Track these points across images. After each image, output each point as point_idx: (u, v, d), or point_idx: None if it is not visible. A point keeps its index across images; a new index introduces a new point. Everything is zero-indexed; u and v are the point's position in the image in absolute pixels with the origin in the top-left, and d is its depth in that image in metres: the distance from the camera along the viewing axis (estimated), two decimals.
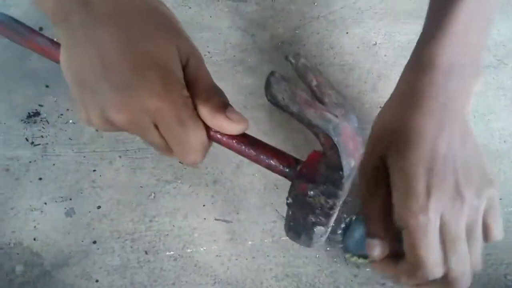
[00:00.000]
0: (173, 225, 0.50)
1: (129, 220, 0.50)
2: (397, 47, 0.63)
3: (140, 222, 0.50)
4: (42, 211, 0.50)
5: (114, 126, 0.31)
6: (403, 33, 0.64)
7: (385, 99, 0.57)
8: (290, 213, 0.36)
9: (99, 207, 0.51)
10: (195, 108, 0.32)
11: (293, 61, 0.34)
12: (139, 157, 0.53)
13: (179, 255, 0.48)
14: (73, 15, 0.30)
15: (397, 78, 0.59)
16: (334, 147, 0.31)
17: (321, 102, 0.34)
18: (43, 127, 0.55)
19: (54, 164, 0.53)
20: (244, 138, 0.35)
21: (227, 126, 0.32)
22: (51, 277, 0.47)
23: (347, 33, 0.64)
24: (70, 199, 0.51)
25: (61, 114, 0.56)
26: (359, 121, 0.56)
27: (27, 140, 0.55)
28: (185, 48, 0.32)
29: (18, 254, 0.48)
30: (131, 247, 0.49)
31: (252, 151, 0.35)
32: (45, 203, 0.51)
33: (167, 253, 0.48)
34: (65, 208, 0.51)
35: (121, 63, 0.29)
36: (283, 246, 0.48)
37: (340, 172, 0.32)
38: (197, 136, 0.32)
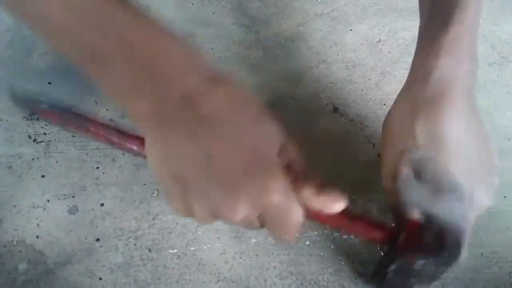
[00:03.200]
0: (177, 223, 0.49)
1: (132, 217, 0.50)
2: (401, 44, 0.62)
3: (143, 219, 0.50)
4: (45, 209, 0.50)
5: (221, 220, 0.33)
6: (407, 29, 0.63)
7: (389, 96, 0.57)
8: (389, 277, 0.37)
9: (102, 205, 0.50)
10: (296, 191, 0.32)
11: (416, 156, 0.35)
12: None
13: (182, 253, 0.48)
14: (171, 114, 0.29)
15: (401, 75, 0.59)
16: (461, 233, 0.34)
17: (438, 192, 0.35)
18: (45, 124, 0.55)
19: (57, 162, 0.53)
20: (341, 214, 0.35)
21: (330, 205, 0.33)
22: (54, 275, 0.47)
23: (350, 30, 0.64)
24: (73, 197, 0.51)
25: None
26: (362, 118, 0.56)
27: (29, 137, 0.54)
28: (280, 134, 0.33)
29: (21, 252, 0.48)
30: (135, 244, 0.48)
31: (351, 225, 0.37)
32: (48, 201, 0.51)
33: (171, 250, 0.48)
34: (68, 205, 0.50)
35: (231, 164, 0.30)
36: (287, 244, 0.48)
37: (460, 250, 0.35)
38: (297, 219, 0.33)
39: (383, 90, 0.58)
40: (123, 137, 0.39)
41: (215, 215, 0.32)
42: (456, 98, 0.35)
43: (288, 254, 0.48)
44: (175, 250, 0.48)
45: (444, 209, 0.34)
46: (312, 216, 0.35)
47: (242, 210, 0.31)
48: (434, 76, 0.36)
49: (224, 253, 0.48)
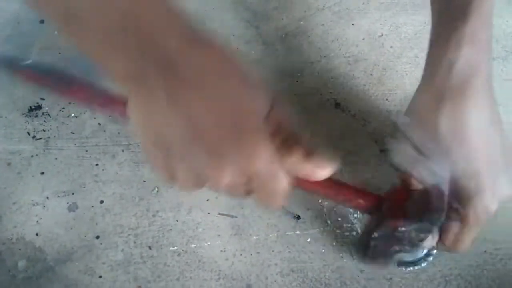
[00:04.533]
0: (177, 220, 0.49)
1: (132, 214, 0.49)
2: (403, 38, 0.62)
3: (143, 217, 0.49)
4: (44, 206, 0.50)
5: (207, 186, 0.32)
6: (409, 24, 0.63)
7: (392, 92, 0.57)
8: (373, 244, 0.38)
9: (102, 202, 0.50)
10: (283, 155, 0.32)
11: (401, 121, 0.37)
12: (141, 151, 0.53)
13: (183, 250, 0.48)
14: (151, 77, 0.28)
15: (404, 70, 0.58)
16: (441, 194, 0.35)
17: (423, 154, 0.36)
18: (44, 121, 0.55)
19: (56, 158, 0.52)
20: (328, 181, 0.35)
21: (314, 173, 0.33)
22: (54, 273, 0.47)
23: (352, 24, 0.63)
24: (73, 194, 0.50)
25: (63, 108, 0.55)
26: (364, 114, 0.55)
27: (28, 134, 0.54)
28: (267, 98, 0.31)
29: (20, 249, 0.48)
30: (135, 242, 0.48)
31: (337, 193, 0.37)
32: (48, 198, 0.50)
33: (171, 248, 0.48)
34: (68, 202, 0.50)
35: (215, 129, 0.29)
36: (288, 241, 0.48)
37: (442, 213, 0.35)
38: (284, 186, 0.32)
39: (385, 85, 0.57)
40: (106, 98, 0.38)
41: (199, 181, 0.31)
42: (479, 87, 0.35)
43: (289, 251, 0.47)
44: (176, 248, 0.48)
45: (428, 173, 0.35)
46: (299, 183, 0.34)
47: (226, 176, 0.30)
48: (458, 65, 0.36)
49: (224, 251, 0.47)
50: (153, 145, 0.31)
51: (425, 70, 0.40)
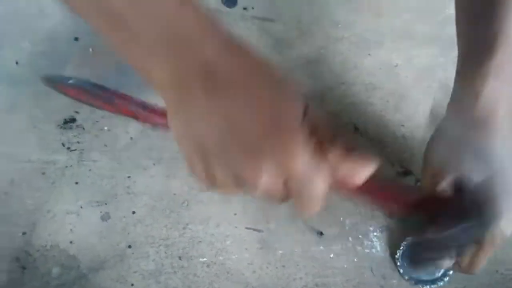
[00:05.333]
0: (206, 233, 0.51)
1: (163, 226, 0.51)
2: (417, 69, 0.66)
3: (173, 228, 0.51)
4: (78, 215, 0.52)
5: (246, 190, 0.32)
6: (422, 56, 0.67)
7: (407, 118, 0.60)
8: (422, 249, 0.41)
9: (134, 213, 0.52)
10: (321, 157, 0.31)
11: None
12: (172, 166, 0.55)
13: (212, 261, 0.50)
14: (191, 84, 0.30)
15: (418, 99, 0.62)
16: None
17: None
18: (79, 133, 0.57)
19: (90, 170, 0.55)
20: (368, 184, 0.33)
21: (353, 173, 0.32)
22: (87, 280, 0.48)
23: (369, 54, 0.67)
24: (106, 204, 0.52)
25: (96, 121, 0.58)
26: (381, 138, 0.59)
27: (63, 145, 0.56)
28: (302, 100, 0.32)
29: (54, 256, 0.49)
30: (165, 252, 0.50)
31: (380, 195, 0.36)
32: (81, 207, 0.52)
33: (200, 259, 0.50)
34: (101, 212, 0.52)
35: (252, 132, 0.30)
36: (312, 256, 0.50)
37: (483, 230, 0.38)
38: (322, 189, 0.32)
39: (401, 113, 0.61)
40: (149, 111, 0.40)
41: (238, 183, 0.32)
42: (503, 118, 0.39)
43: (313, 266, 0.50)
44: (205, 259, 0.50)
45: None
46: (339, 185, 0.33)
47: (265, 177, 0.30)
48: (483, 97, 0.39)
49: (251, 263, 0.50)
50: (194, 151, 0.32)
51: (452, 99, 0.43)
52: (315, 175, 0.31)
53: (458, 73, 0.44)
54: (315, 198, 0.32)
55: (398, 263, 0.48)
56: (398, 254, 0.48)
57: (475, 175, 0.39)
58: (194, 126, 0.31)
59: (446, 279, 0.48)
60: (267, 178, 0.30)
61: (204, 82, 0.30)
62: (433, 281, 0.48)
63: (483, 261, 0.42)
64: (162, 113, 0.40)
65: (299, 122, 0.31)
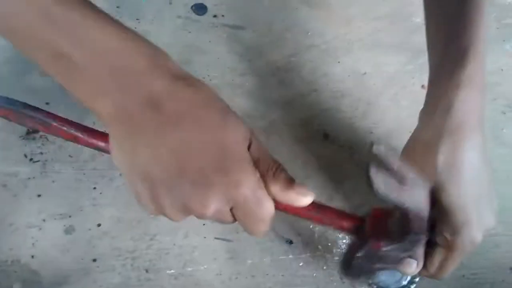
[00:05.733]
0: (174, 244, 0.50)
1: (130, 238, 0.50)
2: (385, 76, 0.67)
3: (140, 240, 0.50)
4: (40, 228, 0.50)
5: (194, 216, 0.34)
6: (390, 64, 0.68)
7: (375, 125, 0.61)
8: (356, 263, 0.40)
9: (99, 225, 0.51)
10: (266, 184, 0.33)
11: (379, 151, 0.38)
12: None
13: (180, 273, 0.49)
14: (138, 117, 0.30)
15: (385, 106, 0.63)
16: (420, 220, 0.37)
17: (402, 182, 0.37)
18: (42, 144, 0.56)
19: (53, 181, 0.53)
20: (312, 205, 0.36)
21: (298, 200, 0.34)
22: None
23: (338, 62, 0.68)
24: (70, 217, 0.51)
25: None
26: (351, 145, 0.59)
27: (25, 156, 0.55)
28: (247, 131, 0.33)
29: (15, 272, 0.48)
30: (132, 265, 0.49)
31: (320, 216, 0.39)
32: (44, 220, 0.51)
33: (168, 271, 0.49)
34: (65, 225, 0.50)
35: (199, 163, 0.31)
36: (282, 265, 0.50)
37: (421, 236, 0.38)
38: (269, 212, 0.34)
39: (369, 119, 0.62)
40: (89, 135, 0.39)
41: (186, 211, 0.33)
42: (474, 127, 0.39)
43: (282, 275, 0.49)
44: (172, 271, 0.49)
45: (408, 198, 0.37)
46: (283, 208, 0.36)
47: (213, 205, 0.32)
48: (456, 106, 0.39)
49: (220, 274, 0.49)
50: (140, 181, 0.32)
51: (424, 108, 0.44)
52: (262, 199, 0.33)
53: (430, 82, 0.44)
54: (263, 219, 0.34)
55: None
56: None
57: (448, 184, 0.39)
58: (141, 157, 0.31)
59: (413, 286, 0.48)
60: (214, 207, 0.32)
61: (150, 114, 0.30)
62: None
63: (452, 267, 0.42)
64: (104, 137, 0.39)
65: (245, 153, 0.33)
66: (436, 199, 0.39)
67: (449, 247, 0.40)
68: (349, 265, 0.42)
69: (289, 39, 0.69)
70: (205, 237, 0.51)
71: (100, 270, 0.48)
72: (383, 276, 0.48)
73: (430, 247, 0.41)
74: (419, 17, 0.71)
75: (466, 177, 0.39)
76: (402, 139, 0.45)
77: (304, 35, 0.70)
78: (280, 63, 0.67)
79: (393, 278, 0.48)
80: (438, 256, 0.42)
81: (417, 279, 0.48)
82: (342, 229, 0.40)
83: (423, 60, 0.67)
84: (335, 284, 0.49)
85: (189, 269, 0.49)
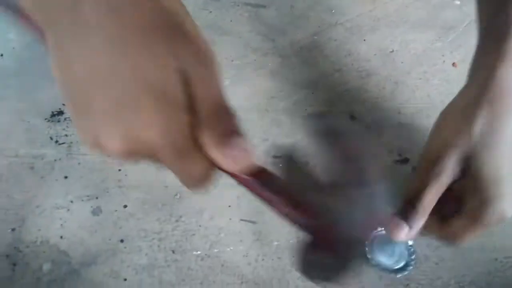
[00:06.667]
0: (200, 225, 0.50)
1: (156, 219, 0.50)
2: (413, 54, 0.64)
3: (166, 221, 0.50)
4: (68, 210, 0.51)
5: (109, 154, 0.27)
6: (418, 41, 0.65)
7: (403, 105, 0.59)
8: (307, 264, 0.34)
9: (125, 206, 0.51)
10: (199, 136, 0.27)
11: None
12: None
13: (206, 254, 0.49)
14: (60, 19, 0.25)
15: (414, 85, 0.61)
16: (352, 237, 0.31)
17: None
18: (67, 126, 0.56)
19: (79, 163, 0.53)
20: (259, 175, 0.29)
21: (224, 163, 0.27)
22: (79, 275, 0.47)
23: (364, 40, 0.65)
24: (97, 198, 0.51)
25: None
26: (377, 126, 0.58)
27: (51, 138, 0.55)
28: (189, 56, 0.26)
29: (45, 252, 0.48)
30: (158, 246, 0.49)
31: (263, 194, 0.30)
32: (71, 201, 0.51)
33: (194, 252, 0.49)
34: (92, 206, 0.51)
35: (112, 83, 0.25)
36: None
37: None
38: (198, 169, 0.27)
39: (397, 99, 0.60)
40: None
41: (97, 145, 0.26)
42: None
43: None
44: (199, 252, 0.49)
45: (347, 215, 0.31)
46: (223, 170, 0.28)
47: (119, 144, 0.25)
48: (498, 77, 0.38)
49: (246, 255, 0.49)
50: (65, 95, 0.26)
51: (469, 76, 0.42)
52: (189, 157, 0.27)
53: (476, 53, 0.43)
54: (194, 178, 0.28)
55: (367, 249, 0.48)
56: (367, 241, 0.48)
57: (482, 154, 0.38)
58: (63, 67, 0.25)
59: (411, 267, 0.47)
60: (120, 146, 0.26)
61: (70, 17, 0.24)
62: (399, 270, 0.48)
63: (471, 237, 0.41)
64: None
65: (173, 87, 0.25)
66: (467, 167, 0.38)
67: (475, 218, 0.39)
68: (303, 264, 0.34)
69: (312, 18, 0.67)
70: (230, 219, 0.51)
71: (128, 251, 0.49)
72: (382, 258, 0.48)
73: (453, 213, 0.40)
74: None
75: (502, 149, 0.37)
76: (431, 118, 0.43)
77: (328, 13, 0.68)
78: (303, 43, 0.65)
79: (391, 259, 0.47)
80: (460, 223, 0.40)
81: (413, 262, 0.47)
82: (285, 216, 0.31)
83: (453, 37, 0.65)
84: (363, 266, 0.48)
85: (215, 250, 0.49)
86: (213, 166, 0.28)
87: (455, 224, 0.41)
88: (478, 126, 0.38)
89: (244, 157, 0.27)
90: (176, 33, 0.26)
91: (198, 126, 0.26)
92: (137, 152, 0.26)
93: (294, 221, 0.31)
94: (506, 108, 0.38)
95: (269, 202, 0.30)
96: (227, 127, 0.27)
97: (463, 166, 0.39)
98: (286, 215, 0.31)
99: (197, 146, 0.27)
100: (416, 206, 0.40)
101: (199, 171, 0.28)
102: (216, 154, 0.26)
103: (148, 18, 0.25)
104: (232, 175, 0.29)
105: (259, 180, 0.29)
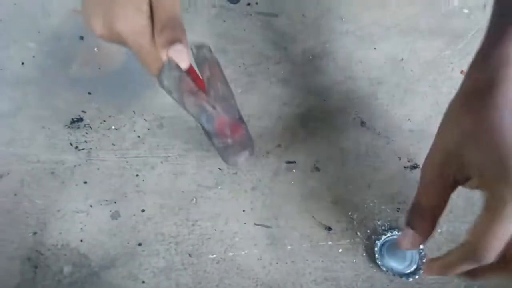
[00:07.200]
0: (215, 229, 0.52)
1: (173, 223, 0.52)
2: (423, 62, 0.65)
3: (183, 225, 0.52)
4: (88, 214, 0.52)
5: (96, 35, 0.38)
6: (428, 49, 0.67)
7: (413, 112, 0.60)
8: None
9: (143, 211, 0.53)
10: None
11: (194, 51, 0.40)
12: (180, 163, 0.55)
13: (221, 258, 0.50)
14: None
15: (424, 93, 0.62)
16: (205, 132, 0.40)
17: (207, 93, 0.39)
18: (86, 133, 0.57)
19: (98, 169, 0.55)
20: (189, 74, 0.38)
21: (164, 58, 0.37)
22: (99, 278, 0.49)
23: (374, 48, 0.67)
24: (115, 202, 0.53)
25: (104, 121, 0.58)
26: (388, 133, 0.59)
27: (71, 144, 0.57)
28: None
29: (65, 255, 0.50)
30: (175, 249, 0.50)
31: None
32: (91, 206, 0.53)
33: (210, 256, 0.50)
34: (110, 211, 0.52)
35: None
36: (321, 251, 0.51)
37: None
38: (152, 58, 0.37)
39: (407, 106, 0.61)
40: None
41: (88, 25, 0.37)
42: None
43: (322, 261, 0.50)
44: (215, 255, 0.50)
45: (192, 104, 0.38)
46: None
47: (106, 29, 0.36)
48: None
49: (261, 259, 0.50)
50: None
51: (475, 58, 0.42)
52: (147, 49, 0.37)
53: (486, 34, 0.42)
54: (147, 65, 0.37)
55: (377, 255, 0.49)
56: (377, 247, 0.49)
57: (468, 149, 0.36)
58: None
59: (421, 271, 0.48)
60: (100, 31, 0.37)
61: None
62: (410, 274, 0.49)
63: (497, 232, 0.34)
64: None
65: (143, 2, 0.36)
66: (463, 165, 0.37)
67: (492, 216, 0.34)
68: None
69: (323, 26, 0.69)
70: (245, 223, 0.52)
71: (145, 254, 0.50)
72: (393, 263, 0.49)
73: None
74: (456, 1, 0.69)
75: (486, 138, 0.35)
76: None
77: (338, 21, 0.69)
78: (315, 51, 0.66)
79: (403, 263, 0.48)
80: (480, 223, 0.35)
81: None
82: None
83: (462, 46, 0.66)
84: (374, 270, 0.50)
85: (231, 254, 0.50)
86: (162, 59, 0.37)
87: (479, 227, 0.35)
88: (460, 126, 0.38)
89: (183, 59, 0.37)
90: None
91: (156, 31, 0.36)
92: (114, 38, 0.37)
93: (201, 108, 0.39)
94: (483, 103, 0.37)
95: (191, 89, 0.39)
96: (174, 35, 0.36)
97: (459, 165, 0.38)
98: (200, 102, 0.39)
99: (154, 44, 0.37)
100: (423, 214, 0.39)
101: (154, 63, 0.37)
102: (162, 52, 0.36)
103: None
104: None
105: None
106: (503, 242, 0.33)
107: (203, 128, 0.41)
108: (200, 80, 0.40)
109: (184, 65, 0.37)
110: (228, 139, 0.41)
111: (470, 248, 0.34)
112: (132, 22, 0.36)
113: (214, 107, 0.39)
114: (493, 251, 0.33)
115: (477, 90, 0.39)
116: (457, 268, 0.35)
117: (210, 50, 0.40)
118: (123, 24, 0.36)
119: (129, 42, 0.37)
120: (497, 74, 0.38)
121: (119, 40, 0.37)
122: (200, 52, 0.40)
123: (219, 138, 0.41)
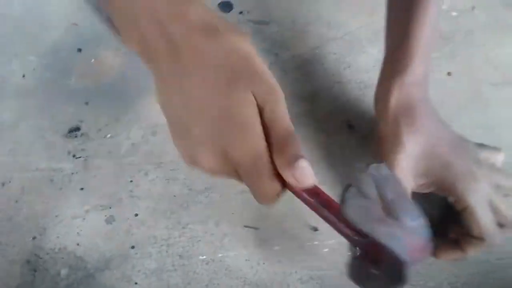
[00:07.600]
0: (205, 232, 0.54)
1: (164, 227, 0.54)
2: None
3: (174, 228, 0.54)
4: (84, 219, 0.55)
5: (202, 169, 0.35)
6: None
7: None
8: (353, 270, 0.39)
9: (136, 215, 0.55)
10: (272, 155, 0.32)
11: (374, 172, 0.35)
12: (172, 169, 0.58)
13: (211, 259, 0.52)
14: (160, 59, 0.32)
15: None
16: (397, 263, 0.33)
17: (393, 216, 0.33)
18: (83, 141, 0.60)
19: (94, 176, 0.58)
20: (316, 194, 0.35)
21: (292, 183, 0.32)
22: (94, 279, 0.51)
23: (363, 52, 0.68)
24: (110, 208, 0.55)
25: (100, 129, 0.61)
26: (374, 136, 0.60)
27: (69, 153, 0.59)
28: (262, 93, 0.33)
29: (63, 258, 0.52)
30: (167, 251, 0.53)
31: (324, 212, 0.35)
32: (87, 211, 0.55)
33: (200, 257, 0.52)
34: (106, 215, 0.55)
35: (203, 115, 0.32)
36: (307, 251, 0.52)
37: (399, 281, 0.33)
38: (271, 187, 0.33)
39: None
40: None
41: (195, 162, 0.34)
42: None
43: (308, 261, 0.52)
44: (204, 257, 0.52)
45: (384, 234, 0.33)
46: (289, 188, 0.34)
47: (211, 163, 0.33)
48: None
49: (249, 260, 0.52)
50: (169, 121, 0.35)
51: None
52: (265, 175, 0.32)
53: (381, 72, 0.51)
54: (267, 194, 0.34)
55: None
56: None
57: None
58: (166, 98, 0.34)
59: None
60: (211, 166, 0.33)
61: (168, 59, 0.32)
62: None
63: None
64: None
65: (250, 118, 0.32)
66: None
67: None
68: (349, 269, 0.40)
69: (313, 32, 0.70)
70: (234, 226, 0.54)
71: (138, 257, 0.52)
72: None
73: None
74: (444, 4, 0.70)
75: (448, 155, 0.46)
76: None
77: (327, 27, 0.71)
78: (305, 56, 0.68)
79: None
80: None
81: None
82: (344, 234, 0.37)
83: (449, 48, 0.67)
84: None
85: (220, 255, 0.52)
86: (283, 185, 0.34)
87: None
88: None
89: (308, 177, 0.32)
90: (252, 74, 0.33)
91: (271, 150, 0.32)
92: (224, 171, 0.34)
93: (346, 237, 0.37)
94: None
95: (327, 220, 0.36)
96: (295, 151, 0.32)
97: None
98: (341, 232, 0.37)
99: (272, 168, 0.33)
100: None
101: (272, 189, 0.33)
102: (287, 174, 0.32)
103: (231, 64, 0.32)
104: (297, 194, 0.35)
105: (319, 201, 0.35)
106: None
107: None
108: (327, 196, 0.36)
109: (311, 181, 0.32)
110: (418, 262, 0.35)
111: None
112: (252, 146, 0.32)
113: (405, 232, 0.33)
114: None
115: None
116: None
117: (387, 169, 0.35)
118: (240, 150, 0.32)
119: (244, 171, 0.33)
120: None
121: (231, 171, 0.34)
122: (380, 171, 0.35)
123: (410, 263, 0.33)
